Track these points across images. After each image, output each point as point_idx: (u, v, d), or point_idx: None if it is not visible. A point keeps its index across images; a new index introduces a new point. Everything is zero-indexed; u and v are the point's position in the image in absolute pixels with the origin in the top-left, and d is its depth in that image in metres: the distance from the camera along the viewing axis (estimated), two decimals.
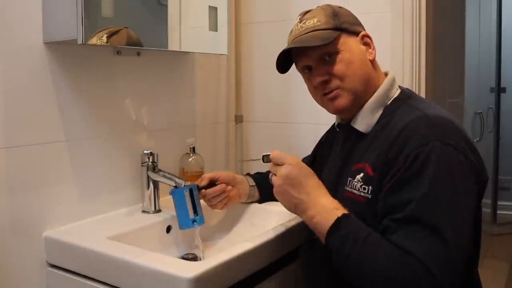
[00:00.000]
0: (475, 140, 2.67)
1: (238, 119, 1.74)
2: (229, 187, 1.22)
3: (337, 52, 0.96)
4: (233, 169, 1.73)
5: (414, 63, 1.42)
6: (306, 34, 0.98)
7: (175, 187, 1.18)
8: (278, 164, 0.95)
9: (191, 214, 1.13)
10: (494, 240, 3.36)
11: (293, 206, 0.93)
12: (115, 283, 0.98)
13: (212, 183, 1.21)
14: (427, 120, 0.88)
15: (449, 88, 2.04)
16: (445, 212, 0.79)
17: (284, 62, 1.03)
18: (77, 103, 1.18)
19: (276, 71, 1.04)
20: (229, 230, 1.33)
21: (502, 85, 3.56)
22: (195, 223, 1.13)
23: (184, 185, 1.16)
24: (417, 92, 1.43)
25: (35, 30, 1.08)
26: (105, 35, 1.07)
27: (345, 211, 0.88)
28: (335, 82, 0.97)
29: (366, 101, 0.98)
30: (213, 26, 1.41)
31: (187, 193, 1.14)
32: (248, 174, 1.33)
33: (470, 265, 0.93)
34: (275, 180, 0.95)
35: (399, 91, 1.00)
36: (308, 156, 1.28)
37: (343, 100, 0.97)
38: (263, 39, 1.68)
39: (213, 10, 1.40)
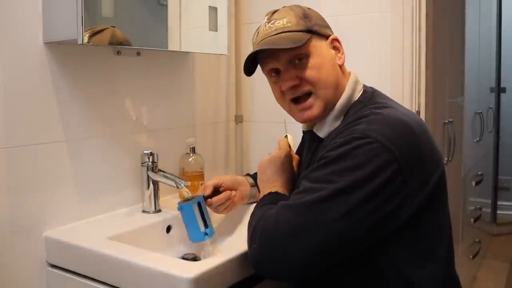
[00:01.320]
0: (475, 140, 2.67)
1: (238, 119, 1.74)
2: (233, 193, 1.20)
3: (308, 56, 0.94)
4: (233, 169, 1.74)
5: (414, 63, 1.42)
6: (276, 35, 0.94)
7: (185, 200, 1.13)
8: (278, 149, 1.12)
9: (202, 227, 1.10)
10: (494, 240, 3.36)
11: (260, 179, 1.08)
12: (115, 283, 0.98)
13: (216, 189, 1.19)
14: (371, 117, 0.88)
15: (449, 88, 2.04)
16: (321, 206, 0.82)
17: (249, 63, 1.01)
18: (77, 103, 1.18)
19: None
20: (229, 230, 1.33)
21: (502, 85, 3.56)
22: (206, 236, 1.10)
23: (189, 197, 1.13)
24: (417, 92, 1.43)
25: (35, 30, 1.08)
26: (87, 35, 1.03)
27: (279, 191, 1.00)
28: (306, 87, 0.95)
29: (333, 105, 0.97)
30: (213, 26, 1.41)
31: (195, 207, 1.10)
32: (248, 174, 1.33)
33: (445, 262, 0.94)
34: (266, 156, 1.10)
35: (361, 93, 0.98)
36: None
37: (316, 110, 0.96)
38: None
39: (213, 10, 1.40)
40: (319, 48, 0.95)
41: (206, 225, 1.11)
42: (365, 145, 0.82)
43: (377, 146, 0.81)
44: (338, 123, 0.96)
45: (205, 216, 1.11)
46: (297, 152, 1.20)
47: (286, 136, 1.17)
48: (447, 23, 1.93)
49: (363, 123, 0.87)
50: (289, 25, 0.94)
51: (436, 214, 0.91)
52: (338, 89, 0.97)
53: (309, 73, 0.94)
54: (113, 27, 1.11)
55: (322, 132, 0.98)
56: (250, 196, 1.27)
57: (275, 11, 1.00)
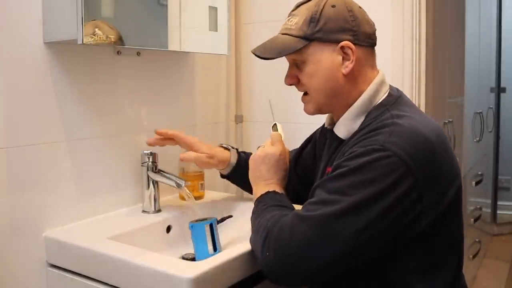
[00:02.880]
0: (475, 140, 2.68)
1: (238, 119, 1.74)
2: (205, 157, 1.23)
3: (304, 62, 0.95)
4: None
5: (414, 63, 1.42)
6: (276, 38, 0.98)
7: (197, 221, 1.12)
8: (271, 143, 1.11)
9: (211, 250, 1.09)
10: (494, 240, 3.36)
11: (253, 175, 1.08)
12: (115, 283, 0.98)
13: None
14: (392, 128, 0.86)
15: (449, 88, 2.04)
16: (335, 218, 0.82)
17: None
18: (77, 103, 1.18)
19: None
20: (230, 230, 1.33)
21: (502, 85, 3.56)
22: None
23: (200, 220, 1.12)
24: (417, 92, 1.43)
25: (35, 30, 1.08)
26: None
27: (276, 190, 1.01)
28: (301, 88, 1.00)
29: (337, 110, 0.98)
30: (213, 26, 1.41)
31: (207, 227, 1.09)
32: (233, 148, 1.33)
33: (454, 274, 0.94)
34: (260, 150, 1.10)
35: (386, 95, 0.96)
36: (296, 148, 1.28)
37: (308, 107, 1.01)
38: (263, 39, 1.67)
39: (213, 10, 1.40)
40: (318, 56, 0.94)
41: (215, 249, 1.09)
42: (384, 159, 0.81)
43: (396, 160, 0.81)
44: (357, 124, 0.95)
45: (216, 239, 1.10)
46: (317, 146, 1.19)
47: (275, 125, 1.16)
48: (447, 23, 1.93)
49: (384, 133, 0.85)
50: (293, 27, 0.95)
51: (449, 228, 0.91)
52: (338, 98, 0.96)
53: (303, 78, 0.98)
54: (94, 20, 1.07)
55: (340, 132, 0.98)
56: (229, 164, 1.28)
57: (302, 3, 0.98)
